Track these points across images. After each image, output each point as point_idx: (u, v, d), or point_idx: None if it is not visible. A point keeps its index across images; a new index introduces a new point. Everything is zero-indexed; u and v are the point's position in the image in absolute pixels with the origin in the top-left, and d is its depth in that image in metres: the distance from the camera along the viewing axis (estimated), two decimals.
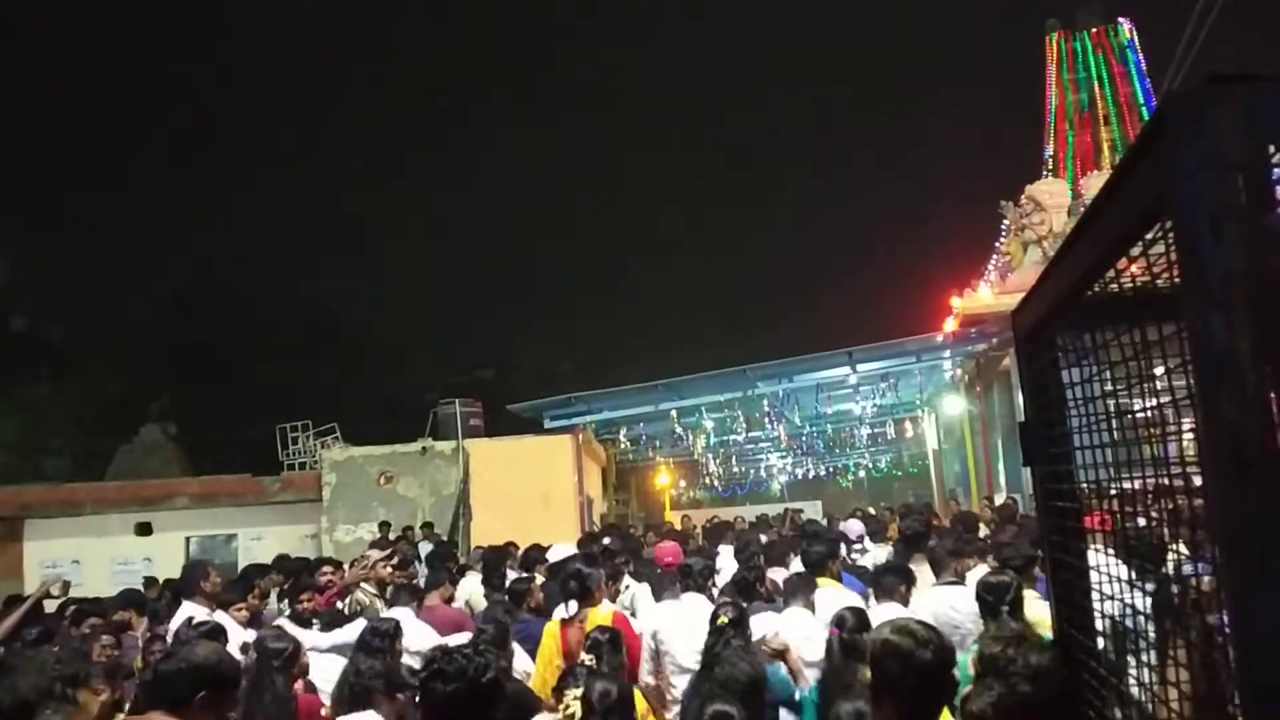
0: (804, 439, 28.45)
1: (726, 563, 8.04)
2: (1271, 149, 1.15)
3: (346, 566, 9.71)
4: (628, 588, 7.43)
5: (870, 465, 37.25)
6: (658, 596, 6.53)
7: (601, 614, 5.69)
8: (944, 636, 2.44)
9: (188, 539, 17.52)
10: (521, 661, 5.69)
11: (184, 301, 46.56)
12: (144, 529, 17.51)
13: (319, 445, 19.27)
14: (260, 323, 45.98)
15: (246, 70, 63.23)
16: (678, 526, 15.46)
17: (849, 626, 4.57)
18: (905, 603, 5.39)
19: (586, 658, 4.71)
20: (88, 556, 16.60)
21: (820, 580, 6.07)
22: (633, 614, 6.64)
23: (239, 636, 6.09)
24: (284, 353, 43.73)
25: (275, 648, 4.66)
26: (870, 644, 2.49)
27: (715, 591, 6.56)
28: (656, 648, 5.47)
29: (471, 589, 8.59)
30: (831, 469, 37.38)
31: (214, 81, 62.35)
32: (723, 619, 4.75)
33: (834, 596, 5.83)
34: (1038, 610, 4.63)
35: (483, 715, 2.65)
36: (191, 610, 6.98)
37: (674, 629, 5.50)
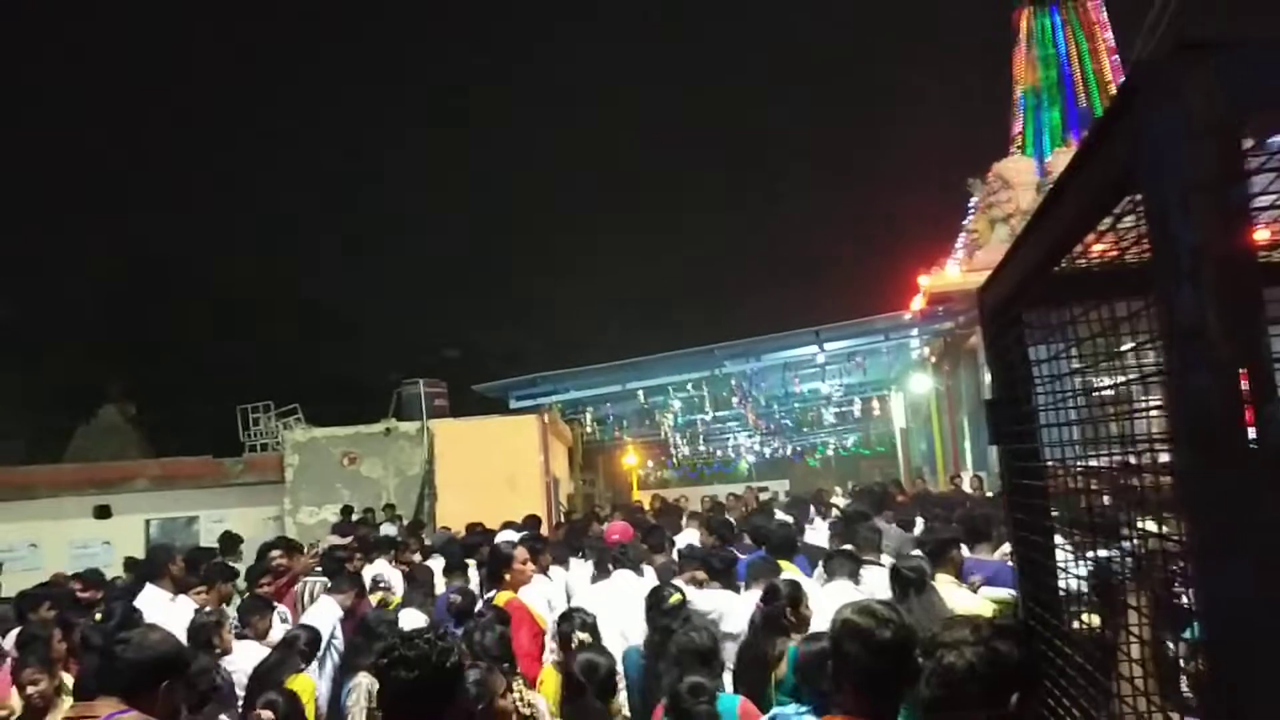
0: (772, 418, 28.53)
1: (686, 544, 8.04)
2: (1244, 118, 1.13)
3: (307, 548, 9.68)
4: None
5: (838, 444, 37.46)
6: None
7: (502, 598, 5.72)
8: (905, 616, 2.44)
9: (148, 522, 17.31)
10: None
11: (145, 282, 45.87)
12: (103, 512, 17.28)
13: (281, 426, 19.06)
14: (221, 303, 45.42)
15: (195, 46, 62.17)
16: (646, 507, 15.42)
17: (784, 596, 4.56)
18: (856, 581, 5.43)
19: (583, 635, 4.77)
20: (45, 540, 16.38)
21: (781, 563, 6.06)
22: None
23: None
24: (246, 333, 43.25)
25: None
26: (831, 626, 2.49)
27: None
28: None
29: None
30: (799, 448, 37.55)
31: (165, 58, 61.20)
32: (675, 598, 4.76)
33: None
34: (954, 597, 4.74)
35: (445, 701, 2.59)
36: (154, 594, 6.91)
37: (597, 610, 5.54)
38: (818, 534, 8.70)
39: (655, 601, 4.88)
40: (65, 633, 5.55)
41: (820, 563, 6.06)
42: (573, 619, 4.96)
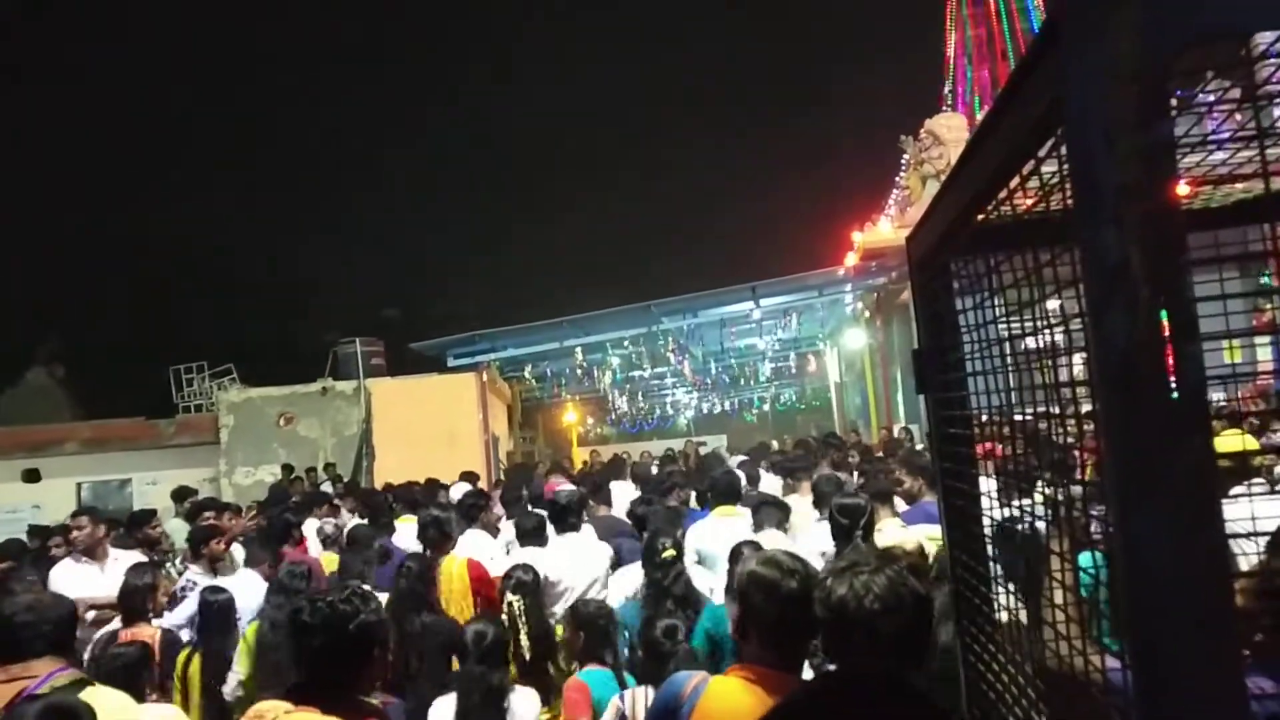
0: (709, 374, 28.69)
1: (622, 497, 8.13)
2: (1170, 57, 1.11)
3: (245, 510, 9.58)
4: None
5: (774, 399, 37.81)
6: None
7: (456, 560, 5.73)
8: (811, 567, 2.42)
9: (79, 485, 16.97)
10: None
11: (72, 241, 44.61)
12: (32, 475, 16.90)
13: (215, 387, 18.76)
14: (153, 262, 44.37)
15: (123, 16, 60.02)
16: (584, 462, 15.45)
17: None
18: (785, 530, 5.51)
19: (513, 598, 4.76)
20: None
21: (724, 509, 6.13)
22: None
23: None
24: (178, 293, 42.35)
25: None
26: (736, 577, 2.47)
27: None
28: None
29: None
30: (736, 403, 37.84)
31: (92, 23, 59.04)
32: (668, 552, 4.73)
33: (736, 525, 5.90)
34: (897, 534, 4.82)
35: (361, 661, 2.52)
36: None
37: (566, 569, 5.56)
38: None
39: (649, 554, 4.84)
40: None
41: (750, 512, 6.06)
42: (509, 579, 4.92)
